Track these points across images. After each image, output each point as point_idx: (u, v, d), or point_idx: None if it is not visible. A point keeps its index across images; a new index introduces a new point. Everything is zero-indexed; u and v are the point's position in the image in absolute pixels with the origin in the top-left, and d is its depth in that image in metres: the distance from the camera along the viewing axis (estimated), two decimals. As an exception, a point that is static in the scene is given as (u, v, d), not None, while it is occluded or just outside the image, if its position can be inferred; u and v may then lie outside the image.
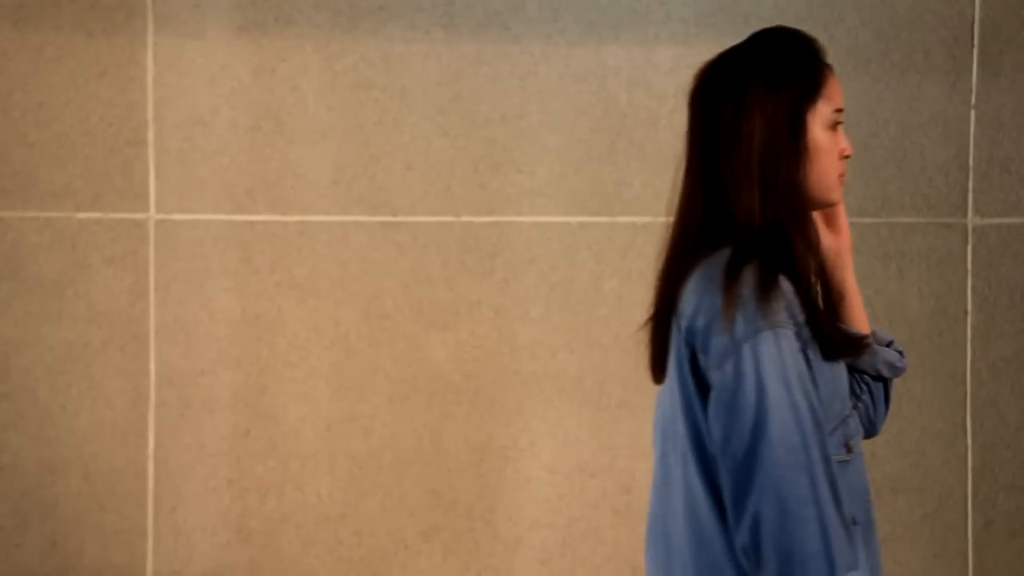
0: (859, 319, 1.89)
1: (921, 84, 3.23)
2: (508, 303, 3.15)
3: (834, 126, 1.79)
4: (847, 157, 1.80)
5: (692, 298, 1.72)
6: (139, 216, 3.09)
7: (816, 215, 1.86)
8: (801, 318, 1.68)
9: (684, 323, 1.72)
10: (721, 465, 1.66)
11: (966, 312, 3.26)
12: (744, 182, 1.73)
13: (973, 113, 3.25)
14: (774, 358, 1.64)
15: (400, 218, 3.13)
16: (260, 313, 3.10)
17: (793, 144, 1.74)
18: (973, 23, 3.24)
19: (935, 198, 3.25)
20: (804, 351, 1.67)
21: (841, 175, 1.80)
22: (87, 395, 3.08)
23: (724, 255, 1.71)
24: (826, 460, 1.62)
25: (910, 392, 3.24)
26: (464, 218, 3.14)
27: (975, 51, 3.24)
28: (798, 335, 1.66)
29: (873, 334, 1.93)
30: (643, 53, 3.17)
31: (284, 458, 3.12)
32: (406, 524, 3.14)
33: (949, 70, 3.24)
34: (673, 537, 1.77)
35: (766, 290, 1.65)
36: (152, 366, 3.09)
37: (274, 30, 3.10)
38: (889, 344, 1.96)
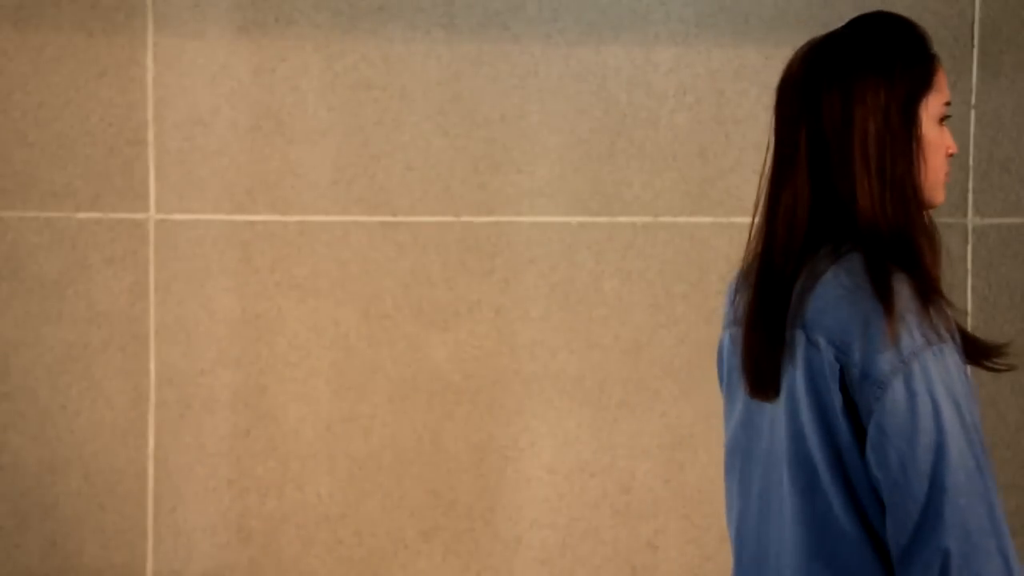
0: None
1: (921, 84, 3.23)
2: (508, 303, 3.15)
3: (942, 121, 1.66)
4: (951, 155, 1.68)
5: (830, 310, 1.56)
6: (139, 216, 3.09)
7: None
8: (954, 330, 1.55)
9: (825, 336, 1.55)
10: (889, 496, 1.50)
11: (966, 312, 3.26)
12: (862, 179, 1.59)
13: (973, 113, 3.25)
14: (942, 376, 1.51)
15: (400, 218, 3.13)
16: (260, 313, 3.10)
17: (907, 139, 1.62)
18: (973, 23, 3.24)
19: (935, 198, 3.25)
20: (963, 367, 1.54)
21: (947, 174, 1.68)
22: (87, 395, 3.08)
23: (856, 261, 1.57)
24: (994, 486, 1.50)
25: (910, 392, 3.24)
26: (464, 218, 3.14)
27: (975, 51, 3.24)
28: (958, 350, 1.54)
29: None
30: (643, 53, 3.17)
31: (284, 458, 3.12)
32: (406, 524, 3.14)
33: (949, 70, 3.23)
34: (785, 572, 1.62)
35: (926, 302, 1.54)
36: (152, 366, 3.09)
37: (274, 30, 3.10)
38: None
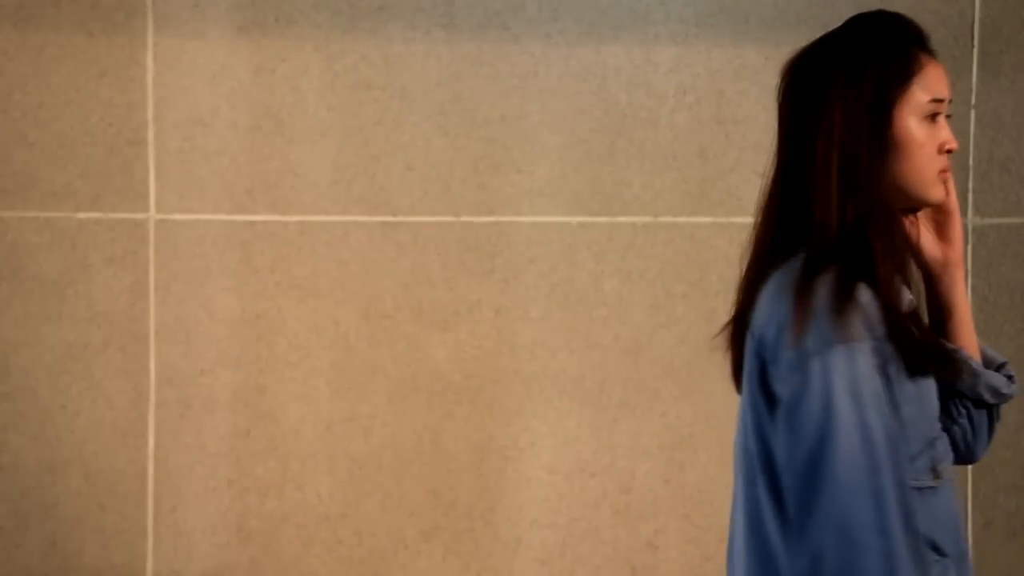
0: (966, 339, 1.70)
1: (921, 84, 3.22)
2: (508, 303, 3.15)
3: (932, 117, 1.66)
4: (950, 151, 1.66)
5: (765, 307, 1.62)
6: (139, 216, 3.09)
7: (925, 223, 1.70)
8: (882, 331, 1.54)
9: (756, 333, 1.63)
10: (784, 484, 1.56)
11: (966, 312, 3.26)
12: (822, 181, 1.62)
13: (973, 113, 3.25)
14: (845, 374, 1.52)
15: (400, 218, 3.13)
16: (260, 313, 3.10)
17: (876, 137, 1.62)
18: (973, 23, 3.24)
19: (935, 198, 3.25)
20: (884, 368, 1.54)
21: (943, 171, 1.66)
22: (87, 395, 3.08)
23: (799, 261, 1.60)
24: (900, 487, 1.51)
25: (910, 392, 3.24)
26: (464, 218, 3.14)
27: (975, 51, 3.24)
28: (877, 350, 1.54)
29: (983, 354, 1.74)
30: (643, 53, 3.17)
31: (284, 458, 3.12)
32: (406, 524, 3.14)
33: (949, 70, 3.23)
34: (738, 558, 1.67)
35: (842, 301, 1.54)
36: (152, 366, 3.09)
37: (274, 30, 3.10)
38: (1000, 367, 1.76)
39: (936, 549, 1.60)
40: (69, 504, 3.09)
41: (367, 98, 3.12)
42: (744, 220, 3.20)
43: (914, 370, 1.59)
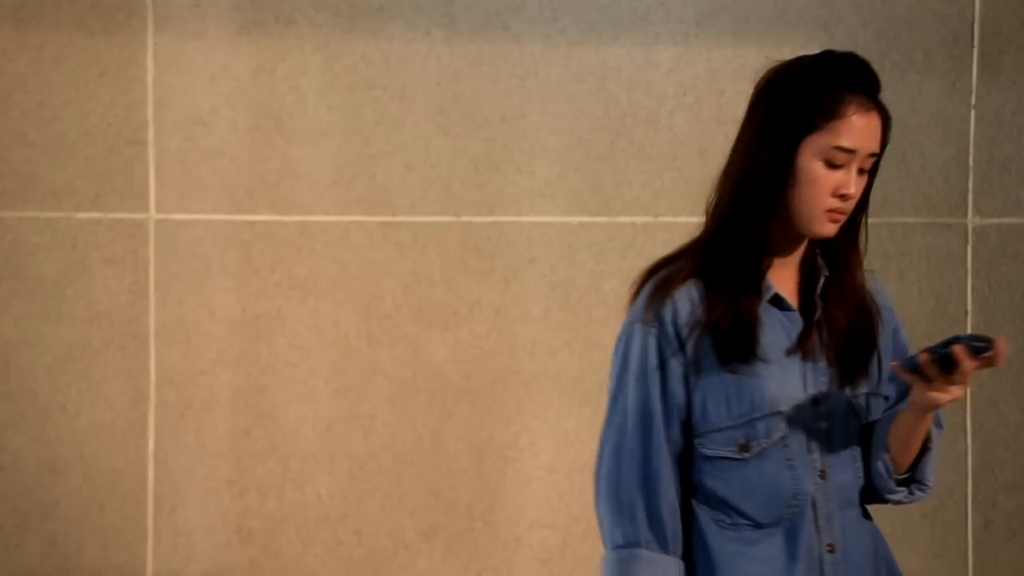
0: (899, 461, 1.89)
1: (921, 84, 3.23)
2: (508, 303, 3.15)
3: (834, 163, 1.77)
4: (843, 196, 1.78)
5: None
6: (139, 216, 3.09)
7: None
8: (688, 324, 1.80)
9: None
10: None
11: (966, 312, 3.26)
12: (722, 187, 1.88)
13: (973, 113, 3.25)
14: (623, 350, 1.87)
15: (400, 218, 3.13)
16: (260, 313, 3.10)
17: (777, 165, 1.79)
18: (973, 23, 3.24)
19: (935, 198, 3.25)
20: (663, 352, 1.82)
21: (831, 211, 1.78)
22: (87, 395, 3.08)
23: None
24: (646, 447, 1.82)
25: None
26: (464, 218, 3.14)
27: (975, 51, 3.24)
28: (662, 336, 1.82)
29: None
30: (643, 53, 3.17)
31: (284, 458, 3.12)
32: (406, 524, 3.14)
33: (949, 70, 3.24)
34: None
35: (655, 290, 1.83)
36: (152, 366, 3.09)
37: (274, 30, 3.10)
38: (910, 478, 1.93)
39: (742, 515, 1.82)
40: (69, 504, 3.09)
41: (367, 98, 3.12)
42: (744, 220, 3.21)
43: (731, 366, 1.80)
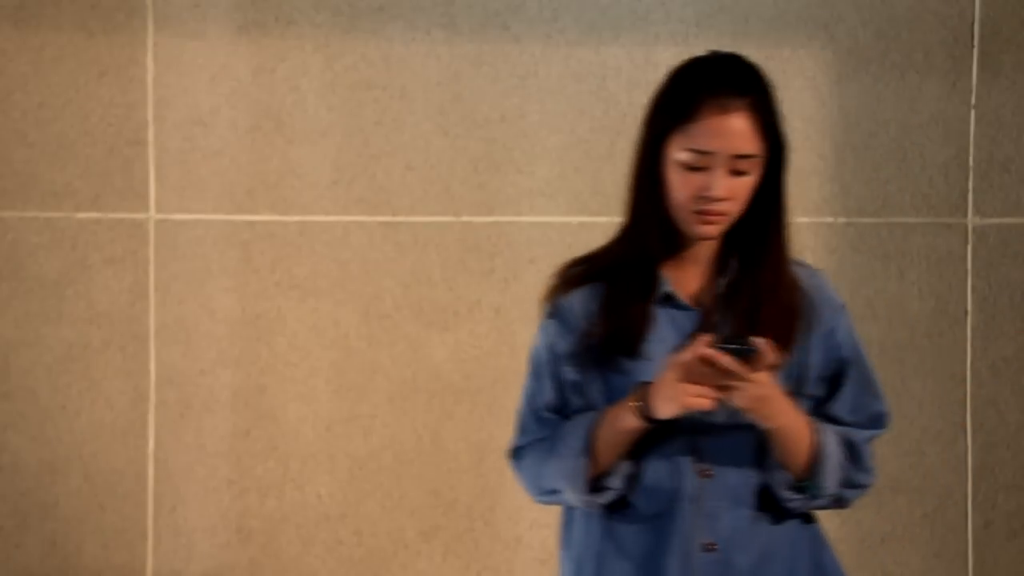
0: (790, 462, 1.84)
1: (921, 84, 3.23)
2: (508, 303, 3.15)
3: (694, 165, 1.79)
4: (707, 198, 1.79)
5: None
6: (139, 216, 3.09)
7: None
8: (576, 323, 1.89)
9: None
10: None
11: (966, 312, 3.26)
12: (626, 191, 1.94)
13: (973, 113, 3.25)
14: (535, 341, 1.96)
15: (400, 218, 3.13)
16: (260, 313, 3.10)
17: (649, 168, 1.85)
18: (973, 23, 3.24)
19: (935, 198, 3.25)
20: (554, 347, 1.91)
21: (699, 212, 1.80)
22: (87, 395, 3.08)
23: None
24: (530, 416, 1.96)
25: (910, 392, 3.24)
26: (464, 218, 3.14)
27: (975, 51, 3.24)
28: (549, 331, 1.92)
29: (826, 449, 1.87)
30: (643, 53, 3.17)
31: (284, 458, 3.12)
32: (406, 524, 3.14)
33: (949, 70, 3.24)
34: None
35: (557, 287, 1.95)
36: (152, 366, 3.09)
37: (274, 30, 3.10)
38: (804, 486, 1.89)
39: (632, 504, 1.85)
40: (69, 504, 3.09)
41: (367, 98, 3.12)
42: (744, 220, 3.21)
43: (617, 362, 1.86)
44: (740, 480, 1.85)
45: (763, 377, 1.74)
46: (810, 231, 3.21)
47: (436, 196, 3.14)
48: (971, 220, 3.26)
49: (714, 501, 1.84)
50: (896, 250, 3.24)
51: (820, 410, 1.91)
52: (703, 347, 1.71)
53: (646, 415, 1.78)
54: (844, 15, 3.21)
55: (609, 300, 1.87)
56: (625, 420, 1.81)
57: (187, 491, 3.10)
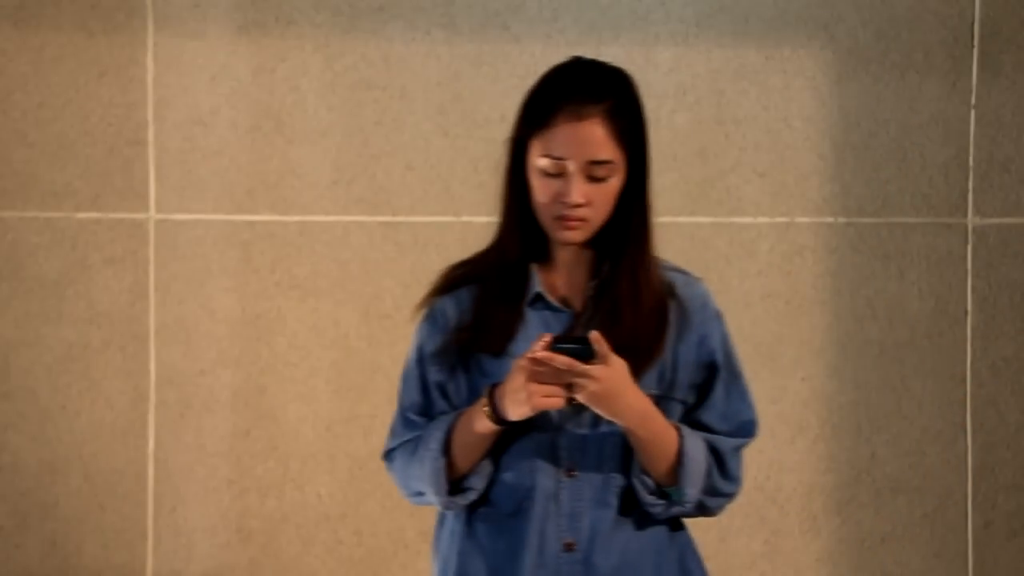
0: (652, 466, 1.85)
1: (921, 84, 3.23)
2: (508, 303, 3.15)
3: (550, 171, 1.81)
4: (565, 203, 1.80)
5: None
6: (139, 216, 3.09)
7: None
8: (460, 319, 1.90)
9: None
10: None
11: (966, 312, 3.26)
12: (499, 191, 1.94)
13: (973, 113, 3.25)
14: (412, 340, 1.98)
15: (400, 218, 3.13)
16: (260, 313, 3.10)
17: (510, 172, 1.88)
18: (973, 23, 3.24)
19: (935, 198, 3.25)
20: (451, 343, 1.90)
21: (559, 218, 1.81)
22: (87, 395, 3.08)
23: None
24: (399, 419, 1.95)
25: (910, 392, 3.24)
26: (464, 218, 3.14)
27: (975, 51, 3.24)
28: (420, 332, 1.96)
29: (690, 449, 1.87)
30: (643, 53, 3.17)
31: (284, 458, 3.12)
32: (406, 524, 3.14)
33: (949, 70, 3.24)
34: None
35: (436, 288, 1.97)
36: (152, 366, 3.09)
37: (274, 30, 3.10)
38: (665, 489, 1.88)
39: (487, 500, 1.86)
40: (69, 504, 3.09)
41: (367, 98, 3.12)
42: (744, 220, 3.21)
43: (485, 362, 1.87)
44: (603, 481, 1.84)
45: (602, 373, 1.74)
46: (810, 231, 3.21)
47: (436, 196, 3.13)
48: (971, 220, 3.26)
49: (576, 501, 1.84)
50: (896, 250, 3.24)
51: (691, 416, 1.91)
52: (538, 348, 1.73)
53: (497, 417, 1.79)
54: (844, 15, 3.21)
55: (480, 301, 1.89)
56: (478, 422, 1.81)
57: (187, 491, 3.10)
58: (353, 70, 3.11)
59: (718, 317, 1.95)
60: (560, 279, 1.90)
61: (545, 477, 1.84)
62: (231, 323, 3.10)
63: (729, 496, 1.94)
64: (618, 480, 1.85)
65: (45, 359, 3.07)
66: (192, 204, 3.09)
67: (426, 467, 1.88)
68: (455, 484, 1.87)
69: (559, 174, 1.81)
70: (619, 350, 1.77)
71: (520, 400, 1.75)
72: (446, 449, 1.85)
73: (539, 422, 1.82)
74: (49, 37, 3.06)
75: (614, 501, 1.85)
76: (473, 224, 3.14)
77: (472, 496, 1.87)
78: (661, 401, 1.86)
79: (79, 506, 3.09)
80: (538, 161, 1.82)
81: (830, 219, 3.22)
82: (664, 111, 3.18)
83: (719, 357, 1.92)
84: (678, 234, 3.19)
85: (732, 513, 3.25)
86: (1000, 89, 3.25)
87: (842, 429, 3.23)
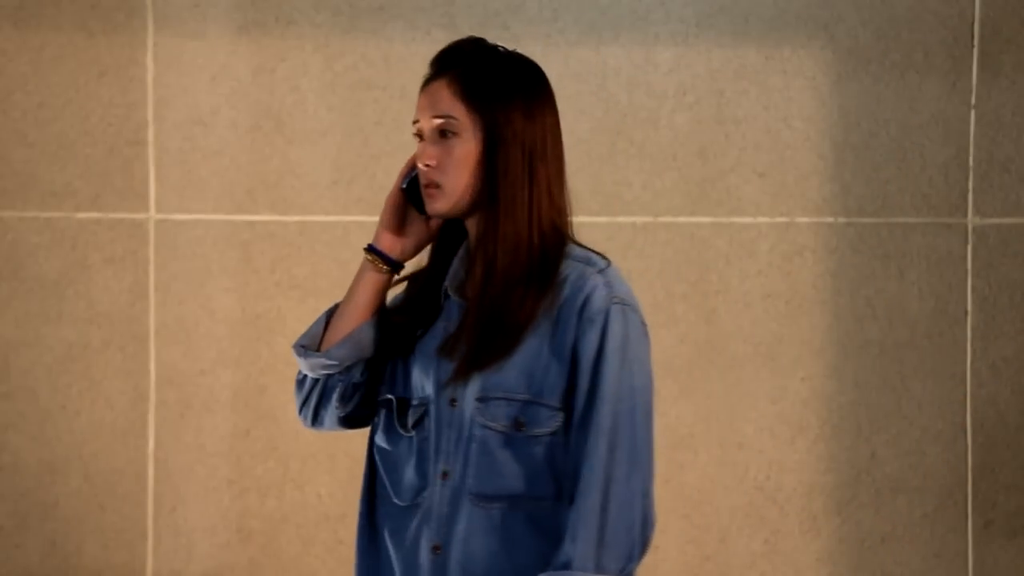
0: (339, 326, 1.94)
1: (921, 84, 3.23)
2: (508, 303, 3.15)
3: (418, 138, 1.84)
4: (424, 166, 1.81)
5: None
6: (139, 216, 3.09)
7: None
8: (394, 310, 1.94)
9: None
10: None
11: (966, 312, 3.26)
12: None
13: (973, 113, 3.25)
14: None
15: (400, 218, 3.13)
16: (260, 313, 3.10)
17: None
18: (973, 23, 3.24)
19: (935, 198, 3.25)
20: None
21: (425, 185, 1.82)
22: (87, 395, 3.08)
23: None
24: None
25: (910, 392, 3.24)
26: (464, 218, 3.14)
27: (975, 51, 3.24)
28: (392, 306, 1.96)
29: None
30: (643, 53, 3.17)
31: (284, 458, 3.12)
32: (406, 524, 3.14)
33: (949, 70, 3.24)
34: None
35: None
36: (152, 366, 3.09)
37: (274, 30, 3.10)
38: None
39: (387, 495, 1.86)
40: (69, 504, 3.09)
41: (367, 98, 3.12)
42: (744, 220, 3.21)
43: (397, 355, 1.89)
44: (485, 486, 1.77)
45: None
46: (810, 231, 3.21)
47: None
48: (971, 220, 3.26)
49: (448, 504, 1.78)
50: (896, 250, 3.24)
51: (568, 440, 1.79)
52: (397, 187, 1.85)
53: (370, 247, 1.90)
54: (844, 15, 3.21)
55: (407, 291, 1.95)
56: (361, 269, 1.93)
57: (187, 491, 3.10)
58: (353, 70, 3.11)
59: (597, 322, 1.79)
60: (474, 267, 1.86)
61: (429, 479, 1.81)
62: (231, 323, 3.10)
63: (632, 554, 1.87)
64: (493, 486, 1.77)
65: (45, 359, 3.07)
66: (192, 204, 3.09)
67: (309, 331, 1.94)
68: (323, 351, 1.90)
69: (420, 137, 1.83)
70: (475, 341, 1.76)
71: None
72: (331, 311, 1.96)
73: (432, 424, 1.82)
74: (49, 37, 3.06)
75: (494, 509, 1.77)
76: (473, 224, 3.14)
77: (334, 365, 1.88)
78: (529, 406, 1.76)
79: (79, 506, 3.09)
80: (413, 128, 1.85)
81: (830, 219, 3.22)
82: (664, 111, 3.18)
83: (582, 369, 1.77)
84: (678, 234, 3.19)
85: (732, 513, 3.26)
86: (1000, 89, 3.25)
87: (842, 429, 3.23)
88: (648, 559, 3.30)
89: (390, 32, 3.12)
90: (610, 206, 3.18)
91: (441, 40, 3.16)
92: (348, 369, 1.89)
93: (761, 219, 3.20)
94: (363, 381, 1.90)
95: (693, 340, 3.18)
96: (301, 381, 1.95)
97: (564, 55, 3.16)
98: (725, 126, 3.20)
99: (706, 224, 3.19)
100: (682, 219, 3.19)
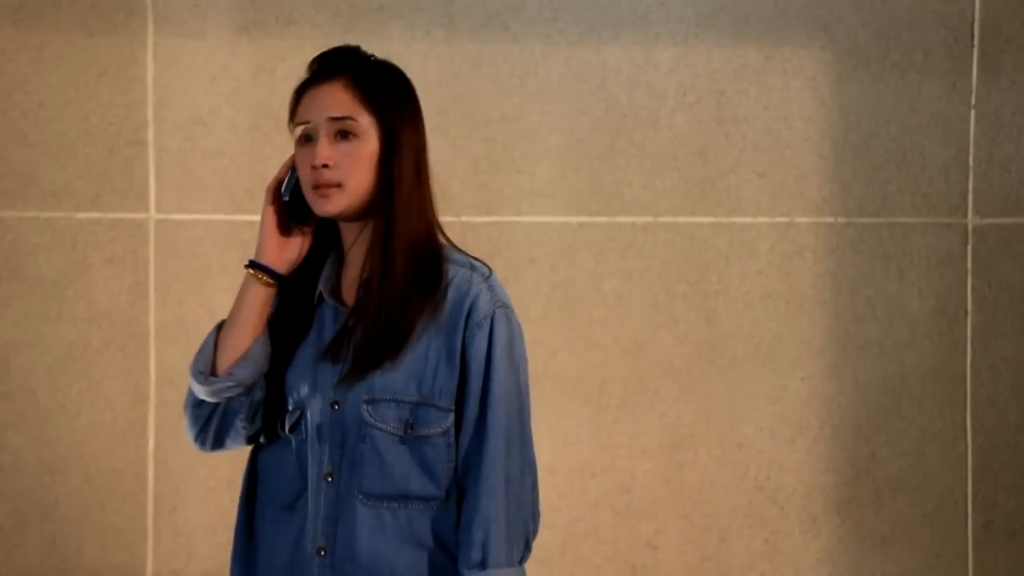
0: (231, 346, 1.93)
1: (921, 84, 3.23)
2: (508, 303, 3.15)
3: (306, 139, 1.84)
4: (315, 167, 1.81)
5: None
6: (139, 216, 3.09)
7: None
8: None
9: None
10: None
11: (966, 312, 3.26)
12: None
13: (973, 113, 3.25)
14: None
15: (400, 218, 3.13)
16: (260, 313, 3.10)
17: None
18: (973, 23, 3.24)
19: (935, 198, 3.25)
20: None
21: (315, 187, 1.81)
22: (87, 395, 3.08)
23: None
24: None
25: (910, 392, 3.24)
26: (464, 218, 3.14)
27: (975, 51, 3.24)
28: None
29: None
30: (643, 53, 3.18)
31: (284, 458, 3.11)
32: (406, 524, 3.14)
33: (949, 70, 3.24)
34: None
35: None
36: (152, 366, 3.09)
37: (274, 30, 3.10)
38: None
39: (266, 494, 1.89)
40: (69, 504, 3.09)
41: (367, 98, 3.12)
42: (744, 220, 3.21)
43: (281, 357, 1.91)
44: (371, 487, 1.80)
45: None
46: (810, 231, 3.21)
47: (436, 196, 3.13)
48: (971, 220, 3.26)
49: (334, 505, 1.81)
50: (896, 250, 3.24)
51: (474, 443, 1.83)
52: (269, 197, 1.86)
53: (254, 263, 1.91)
54: (844, 15, 3.21)
55: (281, 298, 1.93)
56: (245, 285, 1.92)
57: (187, 491, 3.10)
58: (353, 70, 3.11)
59: (484, 326, 1.82)
60: (351, 269, 1.88)
61: (312, 480, 1.83)
62: (231, 323, 3.10)
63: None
64: (381, 487, 1.80)
65: (45, 359, 3.07)
66: (192, 204, 3.09)
67: (199, 355, 1.91)
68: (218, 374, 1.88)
69: (309, 139, 1.83)
70: (365, 343, 1.77)
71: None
72: (219, 327, 1.94)
73: (315, 425, 1.83)
74: (49, 37, 3.06)
75: (383, 511, 1.80)
76: (473, 224, 3.15)
77: (237, 387, 1.86)
78: (419, 408, 1.80)
79: (79, 506, 3.09)
80: (297, 135, 1.84)
81: (830, 219, 3.22)
82: (664, 111, 3.18)
83: (473, 372, 1.81)
84: (678, 234, 3.19)
85: (732, 513, 3.26)
86: (1000, 89, 3.25)
87: (842, 429, 3.23)
88: (648, 559, 3.33)
89: (390, 32, 3.12)
90: (610, 206, 3.18)
91: (441, 40, 3.17)
92: (250, 388, 1.89)
93: (761, 219, 3.21)
94: (263, 396, 1.90)
95: (693, 340, 3.18)
96: (197, 405, 1.93)
97: (564, 55, 3.16)
98: (725, 126, 3.20)
99: (706, 224, 3.20)
100: (682, 219, 3.19)
